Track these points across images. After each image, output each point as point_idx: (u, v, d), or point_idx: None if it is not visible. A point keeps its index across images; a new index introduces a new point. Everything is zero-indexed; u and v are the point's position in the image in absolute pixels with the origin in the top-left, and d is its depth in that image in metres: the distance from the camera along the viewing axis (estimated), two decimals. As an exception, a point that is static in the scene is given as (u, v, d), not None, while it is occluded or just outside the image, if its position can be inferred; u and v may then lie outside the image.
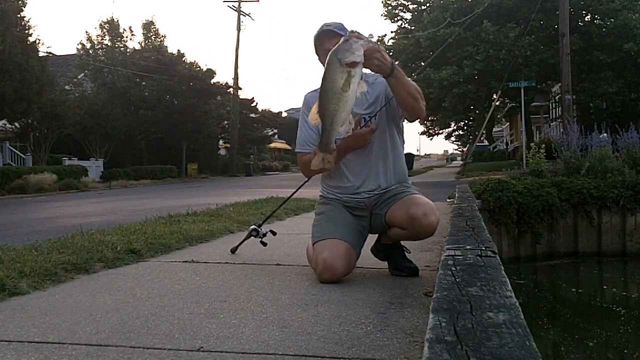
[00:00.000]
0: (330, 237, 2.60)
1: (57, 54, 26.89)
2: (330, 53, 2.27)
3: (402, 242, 2.82)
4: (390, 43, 25.52)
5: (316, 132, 2.76)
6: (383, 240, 2.82)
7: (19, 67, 17.83)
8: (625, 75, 21.56)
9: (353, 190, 2.74)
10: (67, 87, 27.48)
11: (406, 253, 2.81)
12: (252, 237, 3.45)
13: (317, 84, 3.00)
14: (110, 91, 27.98)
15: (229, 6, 34.11)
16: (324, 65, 2.71)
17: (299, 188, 3.41)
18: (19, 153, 22.83)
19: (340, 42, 2.25)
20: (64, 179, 18.91)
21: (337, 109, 2.25)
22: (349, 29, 2.69)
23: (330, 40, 2.64)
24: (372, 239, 2.90)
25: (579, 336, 4.83)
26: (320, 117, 2.29)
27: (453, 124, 46.12)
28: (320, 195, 2.93)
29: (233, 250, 3.51)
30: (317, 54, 2.76)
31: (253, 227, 3.47)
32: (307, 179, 3.04)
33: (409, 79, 2.58)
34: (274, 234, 3.54)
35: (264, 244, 3.41)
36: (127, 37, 30.91)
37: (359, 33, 2.32)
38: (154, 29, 32.73)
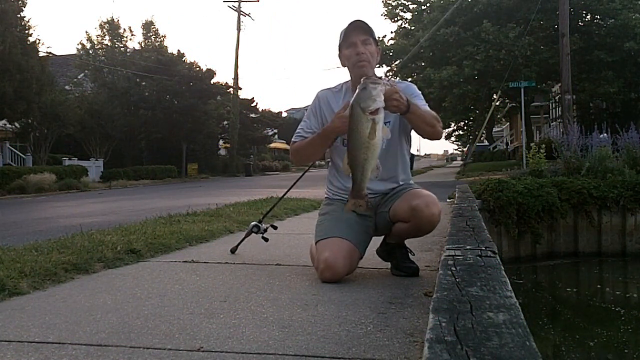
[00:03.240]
0: (333, 235, 2.61)
1: (57, 54, 26.90)
2: (351, 103, 2.30)
3: (407, 245, 2.83)
4: (390, 43, 25.55)
5: (318, 126, 2.78)
6: (388, 240, 2.83)
7: (19, 67, 17.83)
8: (626, 74, 21.56)
9: None
10: (67, 87, 27.53)
11: (410, 255, 2.81)
12: (253, 234, 3.45)
13: (319, 84, 3.05)
14: (110, 91, 27.98)
15: (229, 6, 34.16)
16: (342, 63, 2.73)
17: (298, 179, 3.42)
18: (19, 153, 22.84)
19: (359, 90, 2.27)
20: (64, 179, 18.91)
21: (366, 157, 2.29)
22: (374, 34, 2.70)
23: (358, 35, 2.65)
24: (376, 241, 2.89)
25: (579, 336, 4.83)
26: (351, 168, 2.33)
27: (453, 124, 46.19)
28: (325, 197, 2.94)
29: (233, 250, 3.51)
30: (339, 48, 2.74)
31: (254, 223, 3.48)
32: (302, 173, 3.05)
33: (425, 106, 2.61)
34: (275, 227, 3.57)
35: (266, 240, 3.42)
36: (127, 37, 30.99)
37: (374, 77, 2.34)
38: (154, 29, 32.77)
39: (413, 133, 2.79)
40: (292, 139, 2.85)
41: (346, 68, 2.76)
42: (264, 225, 3.45)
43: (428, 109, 2.63)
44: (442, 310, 1.49)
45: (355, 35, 2.65)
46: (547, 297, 6.27)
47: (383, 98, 2.24)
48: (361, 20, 2.70)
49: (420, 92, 2.76)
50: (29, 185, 17.16)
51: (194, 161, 30.91)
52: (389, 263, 2.85)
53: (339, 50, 2.74)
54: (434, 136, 2.62)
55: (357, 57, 2.64)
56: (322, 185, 3.04)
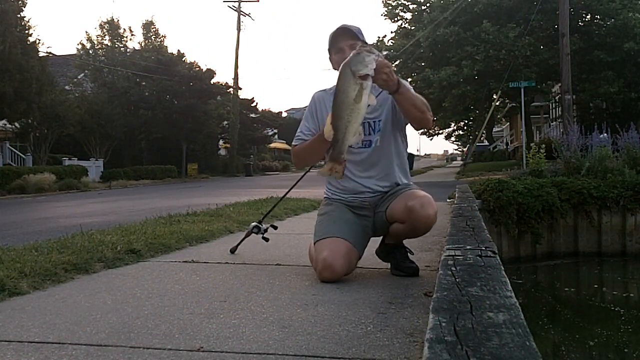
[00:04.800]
0: (331, 235, 2.61)
1: (57, 54, 26.89)
2: (342, 65, 2.31)
3: (406, 244, 2.83)
4: (390, 43, 25.55)
5: (316, 127, 2.80)
6: (386, 241, 2.83)
7: (19, 67, 17.82)
8: (626, 74, 21.56)
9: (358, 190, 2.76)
10: (67, 87, 27.50)
11: (409, 254, 2.82)
12: (254, 234, 3.45)
13: (319, 84, 3.05)
14: (110, 91, 27.98)
15: (229, 6, 34.16)
16: (333, 67, 2.75)
17: (299, 180, 3.43)
18: (19, 153, 22.83)
19: (352, 54, 2.29)
20: (64, 179, 18.90)
21: (350, 120, 2.30)
22: (363, 34, 2.72)
23: (345, 40, 2.67)
24: (376, 241, 2.89)
25: (579, 336, 4.83)
26: (334, 128, 2.34)
27: (453, 124, 46.17)
28: (324, 197, 2.95)
29: (233, 250, 3.51)
30: (329, 52, 2.77)
31: (254, 224, 3.48)
32: (304, 173, 3.05)
33: (415, 93, 2.60)
34: (275, 228, 3.58)
35: (266, 240, 3.42)
36: (127, 37, 30.98)
37: (370, 47, 2.35)
38: (154, 29, 32.77)
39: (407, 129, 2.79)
40: (293, 143, 2.88)
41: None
42: (264, 226, 3.45)
43: (419, 95, 2.63)
44: (442, 310, 1.49)
45: (343, 41, 2.67)
46: (547, 297, 6.27)
47: (374, 66, 2.26)
48: (347, 26, 2.70)
49: (411, 87, 2.76)
50: (29, 185, 17.14)
51: (194, 161, 30.90)
52: (389, 263, 2.85)
53: (329, 54, 2.77)
54: (423, 123, 2.62)
55: None
56: (322, 186, 3.04)
